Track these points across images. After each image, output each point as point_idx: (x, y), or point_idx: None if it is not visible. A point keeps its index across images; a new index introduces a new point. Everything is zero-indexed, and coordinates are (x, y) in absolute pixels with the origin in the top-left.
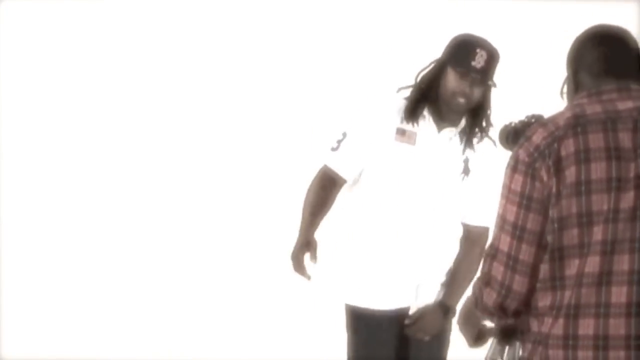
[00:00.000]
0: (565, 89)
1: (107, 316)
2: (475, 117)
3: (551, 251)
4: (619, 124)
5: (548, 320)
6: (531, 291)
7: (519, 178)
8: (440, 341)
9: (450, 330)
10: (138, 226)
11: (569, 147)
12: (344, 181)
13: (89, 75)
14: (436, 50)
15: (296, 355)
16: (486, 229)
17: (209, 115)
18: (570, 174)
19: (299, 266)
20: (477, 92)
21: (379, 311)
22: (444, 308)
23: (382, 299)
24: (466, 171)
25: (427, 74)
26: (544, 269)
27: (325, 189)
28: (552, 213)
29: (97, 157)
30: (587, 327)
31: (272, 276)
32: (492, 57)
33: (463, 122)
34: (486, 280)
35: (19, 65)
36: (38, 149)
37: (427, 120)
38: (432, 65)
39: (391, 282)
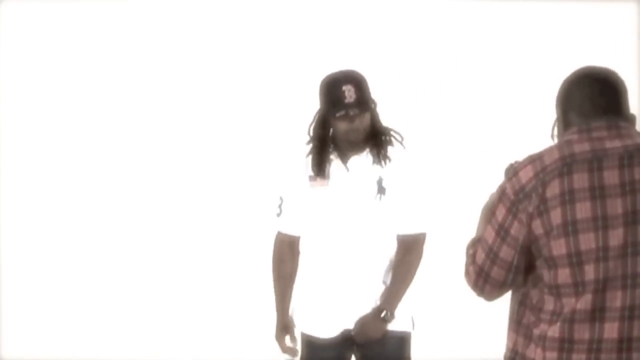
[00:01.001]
0: (555, 132)
1: (106, 316)
2: (373, 138)
3: (549, 287)
4: (605, 162)
5: (538, 350)
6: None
7: (502, 209)
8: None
9: (408, 337)
10: (138, 227)
11: (554, 189)
12: (298, 237)
13: (89, 76)
14: (436, 53)
15: None
16: (420, 235)
17: (208, 117)
18: (556, 215)
19: (283, 348)
20: (365, 120)
21: (321, 339)
22: (379, 312)
23: (323, 327)
24: (381, 190)
25: (315, 128)
26: (548, 300)
27: (286, 259)
28: (544, 253)
29: (96, 158)
30: None
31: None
32: (359, 84)
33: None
34: (469, 261)
35: (19, 66)
36: (38, 149)
37: (333, 160)
38: (316, 118)
39: (329, 310)
